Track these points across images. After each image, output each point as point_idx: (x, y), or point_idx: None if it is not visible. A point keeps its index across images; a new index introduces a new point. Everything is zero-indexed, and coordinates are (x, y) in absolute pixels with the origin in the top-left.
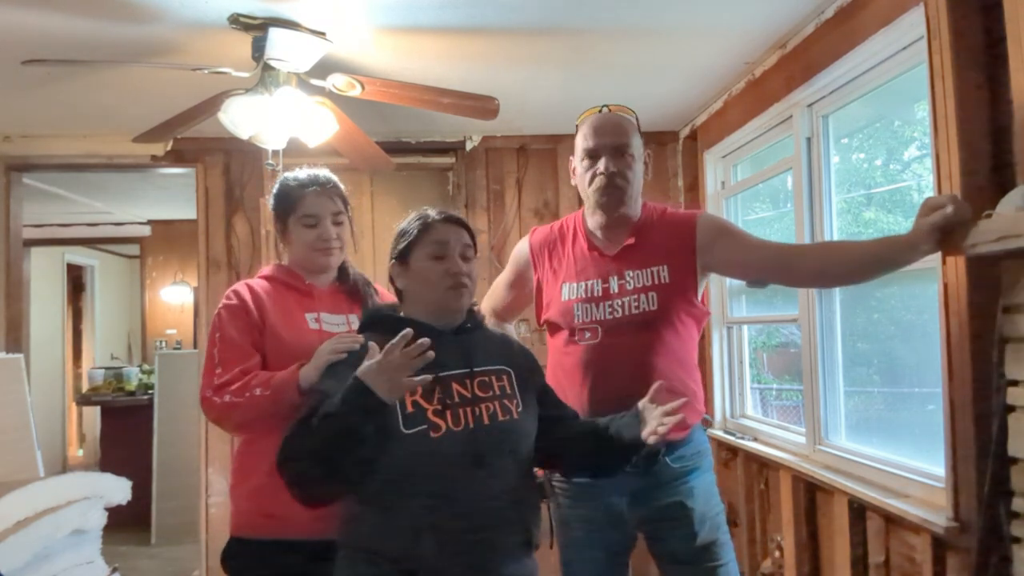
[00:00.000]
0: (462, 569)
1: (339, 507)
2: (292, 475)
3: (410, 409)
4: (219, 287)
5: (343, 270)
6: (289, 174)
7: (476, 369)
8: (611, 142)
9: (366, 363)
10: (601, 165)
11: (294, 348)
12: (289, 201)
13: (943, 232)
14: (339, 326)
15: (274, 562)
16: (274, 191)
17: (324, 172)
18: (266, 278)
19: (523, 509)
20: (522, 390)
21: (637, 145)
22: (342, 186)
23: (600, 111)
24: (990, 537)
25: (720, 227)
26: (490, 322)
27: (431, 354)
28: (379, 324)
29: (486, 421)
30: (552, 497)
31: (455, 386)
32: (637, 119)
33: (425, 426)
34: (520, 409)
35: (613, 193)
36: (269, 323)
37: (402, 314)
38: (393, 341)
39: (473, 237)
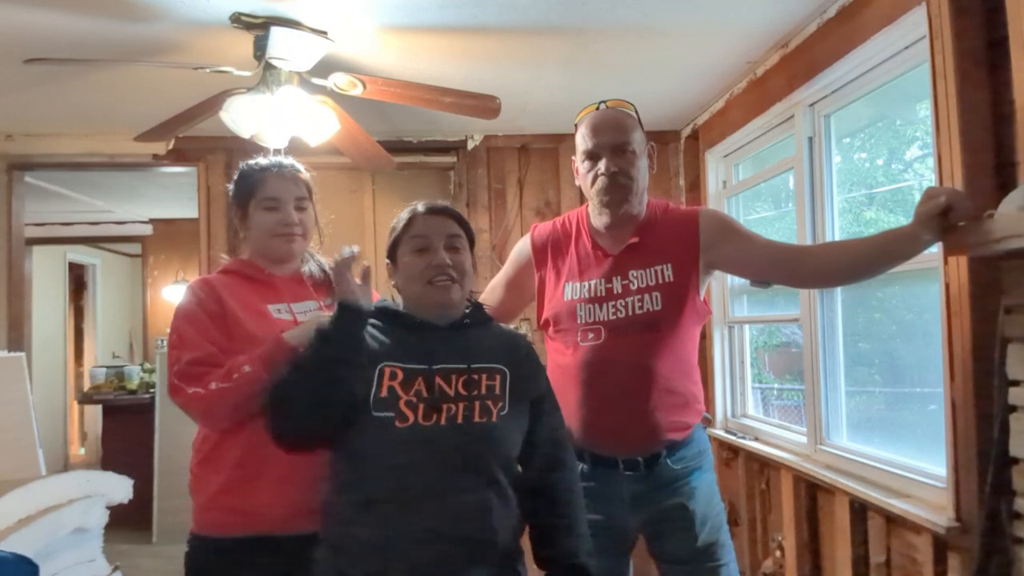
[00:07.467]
0: (415, 566)
1: (315, 496)
2: (274, 404)
3: (384, 393)
4: None
5: (305, 259)
6: (250, 160)
7: (467, 366)
8: (610, 140)
9: None
10: (602, 165)
11: (265, 338)
12: (249, 184)
13: (941, 221)
14: (309, 313)
15: (241, 560)
16: (234, 177)
17: (288, 158)
18: (225, 272)
19: (491, 514)
20: (513, 394)
21: (639, 140)
22: (307, 173)
23: (598, 108)
24: (991, 537)
25: (724, 224)
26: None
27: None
28: (379, 314)
29: (459, 420)
30: None
31: (439, 380)
32: (637, 113)
33: (392, 414)
34: (503, 412)
35: (616, 192)
36: (232, 316)
37: (401, 308)
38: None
39: (464, 226)
